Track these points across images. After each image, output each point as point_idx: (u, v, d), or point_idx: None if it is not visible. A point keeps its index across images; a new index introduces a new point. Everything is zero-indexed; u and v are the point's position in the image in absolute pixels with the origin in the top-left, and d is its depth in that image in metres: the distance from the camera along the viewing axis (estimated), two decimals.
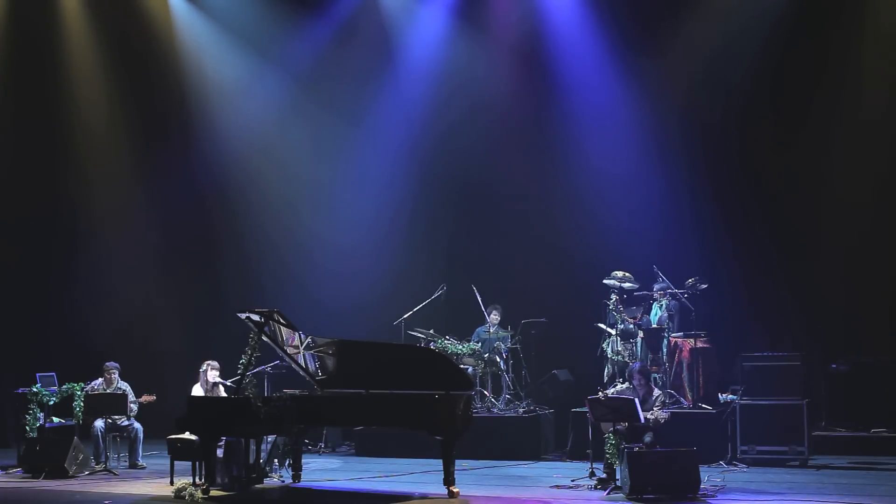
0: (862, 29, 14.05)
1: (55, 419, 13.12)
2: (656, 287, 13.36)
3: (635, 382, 11.45)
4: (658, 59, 14.72)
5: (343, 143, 16.47)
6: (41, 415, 12.74)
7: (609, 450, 10.65)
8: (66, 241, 16.93)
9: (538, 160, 15.57)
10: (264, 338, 11.16)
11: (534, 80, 15.56)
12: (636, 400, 10.75)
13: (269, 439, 11.63)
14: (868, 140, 13.86)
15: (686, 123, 14.70)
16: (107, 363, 13.28)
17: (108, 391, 12.99)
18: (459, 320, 14.40)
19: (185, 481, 11.01)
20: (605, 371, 13.52)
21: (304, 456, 11.97)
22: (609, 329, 13.48)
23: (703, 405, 12.77)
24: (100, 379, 13.22)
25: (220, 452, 11.10)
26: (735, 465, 12.18)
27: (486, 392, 13.94)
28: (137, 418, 13.12)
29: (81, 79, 16.80)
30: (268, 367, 12.81)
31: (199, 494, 10.59)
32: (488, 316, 14.17)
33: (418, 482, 11.56)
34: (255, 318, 11.05)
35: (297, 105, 16.54)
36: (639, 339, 13.42)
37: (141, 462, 12.97)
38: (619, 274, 13.47)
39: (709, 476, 10.99)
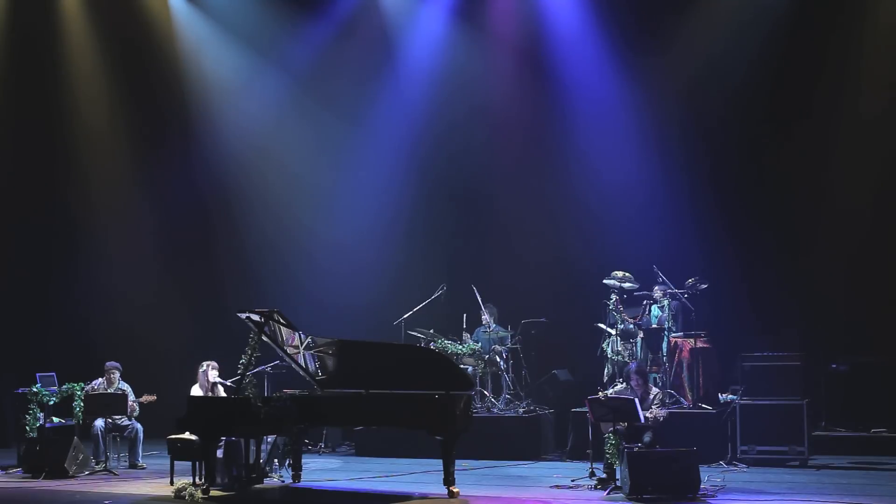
0: (862, 28, 14.04)
1: (55, 419, 13.11)
2: (658, 288, 13.35)
3: (633, 383, 11.48)
4: (658, 58, 14.72)
5: (343, 143, 16.47)
6: (41, 415, 12.73)
7: (609, 450, 10.65)
8: (66, 241, 16.93)
9: (538, 160, 15.57)
10: (264, 338, 11.16)
11: (533, 80, 15.56)
12: (636, 400, 10.76)
13: (269, 439, 11.63)
14: (868, 140, 13.85)
15: (686, 123, 14.69)
16: (108, 363, 13.29)
17: (108, 391, 12.99)
18: (459, 320, 14.39)
19: (185, 481, 11.01)
20: (605, 371, 13.51)
21: (304, 456, 11.96)
22: (609, 329, 13.48)
23: (703, 405, 12.77)
24: (100, 379, 13.22)
25: (220, 452, 11.10)
26: (735, 465, 12.18)
27: (486, 392, 13.93)
28: (137, 418, 13.13)
29: (81, 79, 16.80)
30: (268, 367, 12.80)
31: (199, 494, 10.59)
32: (482, 316, 14.17)
33: (418, 482, 11.56)
34: (255, 318, 11.05)
35: (297, 105, 16.54)
36: (639, 339, 13.42)
37: (141, 462, 12.97)
38: (619, 274, 13.47)
39: (709, 476, 10.99)
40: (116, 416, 12.82)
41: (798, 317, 13.86)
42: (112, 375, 13.21)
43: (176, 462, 11.56)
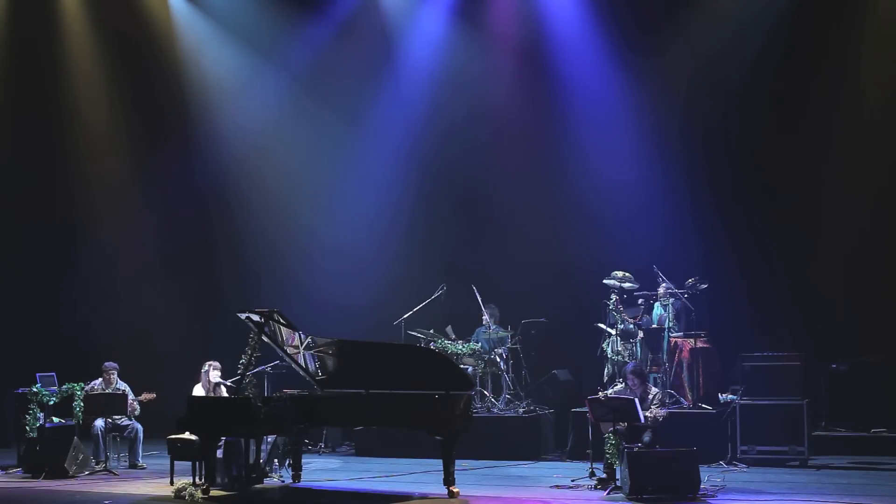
0: (862, 28, 14.04)
1: (55, 419, 13.11)
2: (664, 285, 13.33)
3: (630, 383, 11.50)
4: (658, 59, 14.72)
5: (343, 143, 16.46)
6: (41, 415, 12.73)
7: (609, 450, 10.65)
8: (66, 241, 16.93)
9: (538, 160, 15.57)
10: (264, 338, 11.16)
11: (533, 80, 15.55)
12: (636, 400, 10.77)
13: (269, 439, 11.63)
14: (868, 140, 13.85)
15: (686, 123, 14.69)
16: (105, 363, 13.29)
17: (107, 391, 12.99)
18: (459, 320, 14.39)
19: (185, 481, 11.02)
20: (605, 371, 13.51)
21: (304, 456, 11.97)
22: (609, 329, 13.47)
23: (703, 405, 12.77)
24: (99, 379, 13.22)
25: (220, 452, 11.10)
26: (735, 465, 12.18)
27: (486, 392, 13.93)
28: (137, 418, 13.13)
29: (81, 79, 16.80)
30: (268, 367, 12.80)
31: (199, 494, 10.59)
32: (482, 316, 14.16)
33: (418, 482, 11.56)
34: (255, 318, 11.05)
35: (297, 105, 16.54)
36: (639, 339, 13.42)
37: (141, 462, 12.97)
38: (619, 274, 13.47)
39: (709, 476, 10.99)
40: (116, 416, 12.81)
41: (798, 317, 13.88)
42: (110, 375, 13.21)
43: (176, 462, 11.56)
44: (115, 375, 13.24)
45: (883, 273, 13.83)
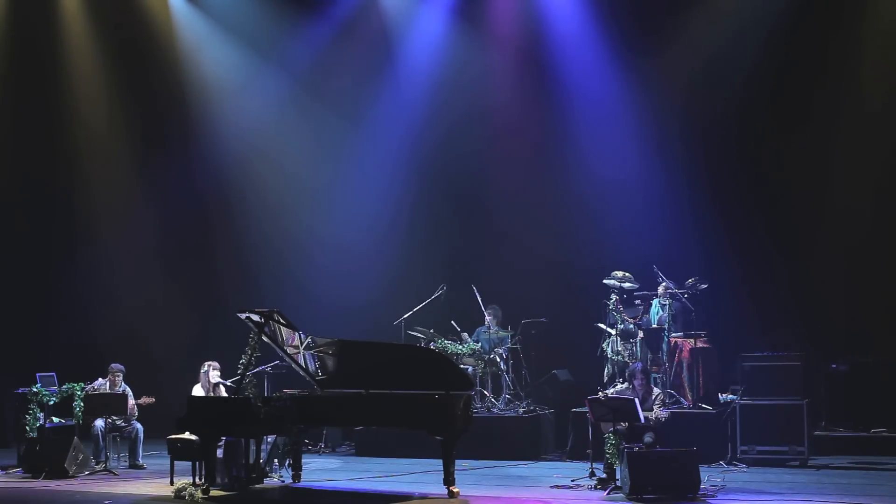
0: (862, 28, 14.04)
1: (55, 419, 13.11)
2: (665, 284, 13.33)
3: (637, 382, 11.49)
4: (658, 58, 14.72)
5: (343, 143, 16.47)
6: (41, 415, 12.73)
7: (609, 450, 10.66)
8: (66, 241, 16.94)
9: (538, 160, 15.57)
10: (264, 338, 11.16)
11: (533, 80, 15.56)
12: (636, 400, 10.77)
13: (269, 439, 11.64)
14: (868, 140, 13.86)
15: (686, 123, 14.69)
16: (112, 364, 13.30)
17: (108, 392, 12.99)
18: (459, 320, 14.39)
19: (185, 481, 11.02)
20: (605, 371, 13.52)
21: (304, 456, 11.97)
22: (609, 329, 13.48)
23: (703, 405, 12.77)
24: (101, 379, 13.22)
25: (220, 452, 11.11)
26: (735, 465, 12.19)
27: (486, 392, 13.93)
28: (137, 418, 13.13)
29: (81, 79, 16.81)
30: (268, 367, 12.81)
31: (199, 494, 10.60)
32: (485, 318, 14.17)
33: (418, 482, 11.56)
34: (255, 318, 11.06)
35: (297, 105, 16.54)
36: (639, 339, 13.42)
37: (141, 462, 12.97)
38: (619, 274, 13.48)
39: (709, 476, 11.00)
40: (116, 417, 12.81)
41: (798, 317, 13.87)
42: (116, 377, 13.21)
43: (176, 462, 11.57)
44: (121, 378, 13.24)
45: (883, 273, 13.83)
